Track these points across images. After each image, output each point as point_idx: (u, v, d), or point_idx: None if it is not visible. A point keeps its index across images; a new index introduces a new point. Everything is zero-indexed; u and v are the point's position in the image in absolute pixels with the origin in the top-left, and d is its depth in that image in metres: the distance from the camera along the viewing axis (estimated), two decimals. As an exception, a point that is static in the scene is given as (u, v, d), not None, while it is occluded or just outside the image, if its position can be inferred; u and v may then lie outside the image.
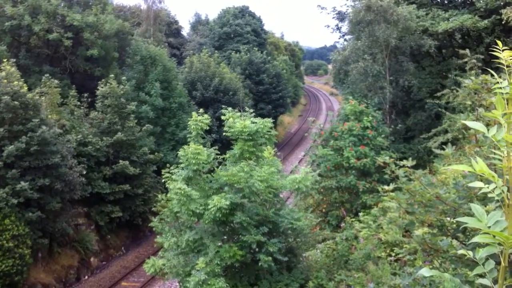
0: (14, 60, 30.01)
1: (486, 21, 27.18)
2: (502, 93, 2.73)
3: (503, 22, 25.71)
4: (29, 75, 34.57)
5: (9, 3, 36.57)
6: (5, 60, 27.61)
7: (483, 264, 2.64)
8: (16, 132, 25.21)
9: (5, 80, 25.61)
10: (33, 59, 37.42)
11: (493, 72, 3.03)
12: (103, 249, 32.56)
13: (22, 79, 27.21)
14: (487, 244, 2.60)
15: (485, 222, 2.53)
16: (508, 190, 2.64)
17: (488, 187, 2.66)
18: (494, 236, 2.50)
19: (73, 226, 29.09)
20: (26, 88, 26.57)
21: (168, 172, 13.77)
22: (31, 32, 36.12)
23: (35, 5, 36.22)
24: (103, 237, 32.95)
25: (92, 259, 30.95)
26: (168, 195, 13.41)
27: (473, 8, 29.20)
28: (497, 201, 2.89)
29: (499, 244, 2.53)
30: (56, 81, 32.34)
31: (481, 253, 2.61)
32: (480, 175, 2.70)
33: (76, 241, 29.90)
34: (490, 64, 21.02)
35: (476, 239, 2.56)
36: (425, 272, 2.67)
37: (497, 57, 2.92)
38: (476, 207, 2.60)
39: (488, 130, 2.71)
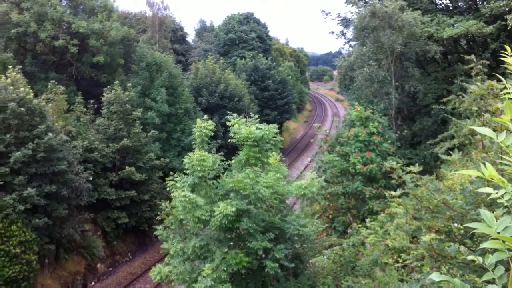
0: (20, 67, 30.16)
1: (491, 27, 27.12)
2: (511, 99, 2.73)
3: (508, 28, 25.66)
4: (35, 82, 34.73)
5: (15, 10, 36.78)
6: (11, 67, 27.76)
7: (493, 270, 2.64)
8: (23, 138, 25.33)
9: (12, 87, 25.74)
10: (39, 66, 37.60)
11: (501, 77, 3.04)
12: (109, 255, 32.60)
13: (28, 86, 27.32)
14: (495, 250, 2.59)
15: (494, 228, 2.52)
16: (517, 196, 2.64)
17: (497, 193, 2.65)
18: (503, 242, 2.49)
19: (79, 232, 29.14)
20: (32, 94, 26.70)
21: (172, 180, 13.76)
22: (37, 39, 36.31)
23: (41, 12, 36.41)
24: (110, 243, 32.99)
25: (98, 265, 31.00)
26: (172, 202, 13.39)
27: (478, 14, 29.14)
28: (505, 207, 2.88)
29: (509, 249, 2.52)
30: (62, 88, 32.56)
31: (491, 259, 2.60)
32: (488, 181, 2.70)
33: (82, 247, 29.96)
34: (496, 69, 21.03)
35: (486, 244, 2.55)
36: (435, 277, 2.67)
37: (503, 63, 2.93)
38: (485, 212, 2.59)
39: (496, 135, 2.71)
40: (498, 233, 2.51)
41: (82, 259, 29.75)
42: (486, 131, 2.76)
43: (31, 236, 24.28)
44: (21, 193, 24.11)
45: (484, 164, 2.68)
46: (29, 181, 24.87)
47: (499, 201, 2.68)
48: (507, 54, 2.92)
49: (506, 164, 2.82)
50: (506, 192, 2.64)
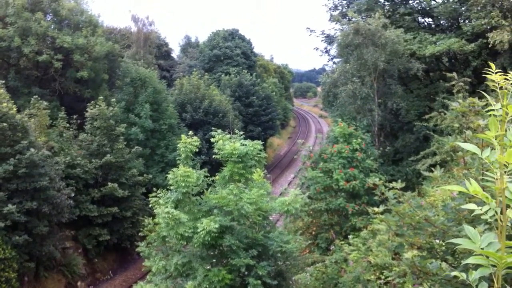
0: (3, 81, 29.90)
1: (472, 45, 27.55)
2: (495, 115, 2.74)
3: (489, 46, 26.09)
4: (18, 97, 34.43)
5: (-1, 25, 36.62)
6: (-6, 81, 27.54)
7: (476, 286, 2.63)
8: (4, 154, 25.02)
9: (-6, 102, 25.51)
10: (22, 81, 37.34)
11: (485, 94, 3.05)
12: (90, 273, 32.14)
13: (11, 101, 27.08)
14: (478, 266, 2.59)
15: (478, 244, 2.52)
16: (501, 212, 2.64)
17: (481, 209, 2.65)
18: (487, 257, 2.49)
19: (60, 249, 28.72)
20: (15, 110, 26.44)
21: (155, 196, 13.67)
22: (20, 54, 36.11)
23: (25, 27, 36.26)
24: (91, 261, 32.56)
25: (79, 283, 30.51)
26: (155, 219, 13.29)
27: (460, 32, 29.60)
28: (487, 223, 2.88)
29: (493, 265, 2.52)
30: (45, 103, 32.28)
31: (475, 275, 2.59)
32: (469, 197, 2.70)
33: (63, 264, 29.50)
34: (477, 87, 21.31)
35: (470, 260, 2.55)
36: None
37: (485, 80, 2.95)
38: (469, 228, 2.59)
39: (480, 152, 2.71)
40: (482, 248, 2.51)
41: (62, 277, 29.29)
42: (471, 147, 2.77)
43: (10, 253, 23.88)
44: (1, 210, 23.74)
45: (468, 180, 2.68)
46: (9, 197, 24.52)
47: (482, 217, 2.68)
48: (491, 71, 2.94)
49: (488, 181, 2.82)
50: (490, 208, 2.64)
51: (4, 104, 25.67)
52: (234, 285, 12.22)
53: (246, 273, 12.12)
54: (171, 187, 12.70)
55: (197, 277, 11.79)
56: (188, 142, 13.14)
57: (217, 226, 11.37)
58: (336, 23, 33.73)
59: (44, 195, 25.79)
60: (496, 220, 2.68)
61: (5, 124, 24.90)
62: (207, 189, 13.23)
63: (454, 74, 18.05)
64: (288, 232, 15.45)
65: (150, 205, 14.03)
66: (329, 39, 36.30)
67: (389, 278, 10.42)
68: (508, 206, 2.66)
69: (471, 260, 2.57)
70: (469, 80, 19.21)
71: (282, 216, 19.11)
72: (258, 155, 13.65)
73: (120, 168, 33.58)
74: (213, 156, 13.89)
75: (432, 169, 7.49)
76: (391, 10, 33.30)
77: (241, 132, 14.38)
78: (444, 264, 5.32)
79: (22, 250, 25.10)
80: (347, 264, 13.15)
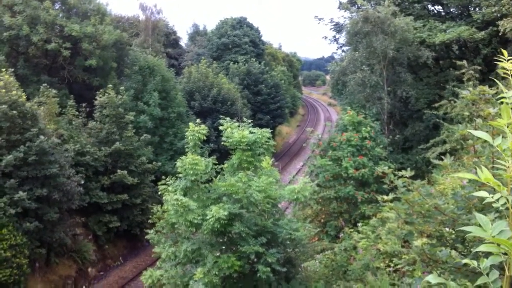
0: (13, 70, 30.01)
1: (483, 33, 27.30)
2: (507, 103, 2.74)
3: (500, 34, 25.83)
4: (27, 85, 34.57)
5: (8, 13, 36.65)
6: (3, 69, 27.60)
7: (487, 274, 2.63)
8: (14, 141, 25.19)
9: (3, 90, 25.60)
10: (31, 69, 37.46)
11: (498, 81, 3.04)
12: (100, 259, 32.43)
13: (21, 89, 27.19)
14: (487, 255, 2.59)
15: (489, 231, 2.52)
16: (512, 200, 2.64)
17: (492, 197, 2.65)
18: (498, 245, 2.49)
19: (70, 236, 28.97)
20: (24, 97, 26.57)
21: (164, 184, 13.71)
22: (29, 42, 36.19)
23: (33, 15, 36.31)
24: (101, 247, 32.83)
25: (89, 269, 30.82)
26: (164, 206, 13.34)
27: (470, 19, 29.33)
28: (497, 211, 2.88)
29: (504, 253, 2.52)
30: (54, 91, 32.44)
31: (486, 263, 2.59)
32: (479, 185, 2.70)
33: (73, 251, 29.77)
34: (487, 75, 21.10)
35: (481, 248, 2.55)
36: (432, 279, 2.67)
37: (495, 68, 2.95)
38: (480, 216, 2.59)
39: (492, 139, 2.71)
40: (493, 236, 2.51)
41: (73, 263, 29.57)
42: (483, 134, 2.77)
43: (22, 240, 24.12)
44: (12, 197, 23.96)
45: (479, 168, 2.68)
46: (20, 185, 24.73)
47: (494, 205, 2.68)
48: (503, 59, 2.93)
49: (498, 169, 2.82)
50: (501, 196, 2.64)
51: (14, 92, 25.80)
52: (243, 272, 12.28)
53: (255, 260, 12.18)
54: (180, 175, 12.73)
55: (206, 263, 11.84)
56: (196, 130, 13.14)
57: (226, 213, 11.40)
58: (345, 11, 33.51)
59: (54, 182, 25.98)
60: (507, 208, 2.68)
61: (15, 112, 25.05)
62: (216, 177, 13.25)
63: (464, 62, 17.91)
64: (297, 219, 15.47)
65: (159, 193, 14.08)
66: (338, 27, 36.08)
67: (399, 266, 10.43)
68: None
69: (482, 248, 2.57)
70: (479, 68, 19.04)
71: (291, 204, 19.14)
72: (267, 143, 13.63)
73: (129, 155, 33.77)
74: (222, 144, 13.90)
75: (442, 157, 7.49)
76: (400, -3, 33.03)
77: (250, 120, 14.35)
78: (453, 252, 5.33)
79: (33, 236, 25.36)
80: (356, 252, 13.18)
